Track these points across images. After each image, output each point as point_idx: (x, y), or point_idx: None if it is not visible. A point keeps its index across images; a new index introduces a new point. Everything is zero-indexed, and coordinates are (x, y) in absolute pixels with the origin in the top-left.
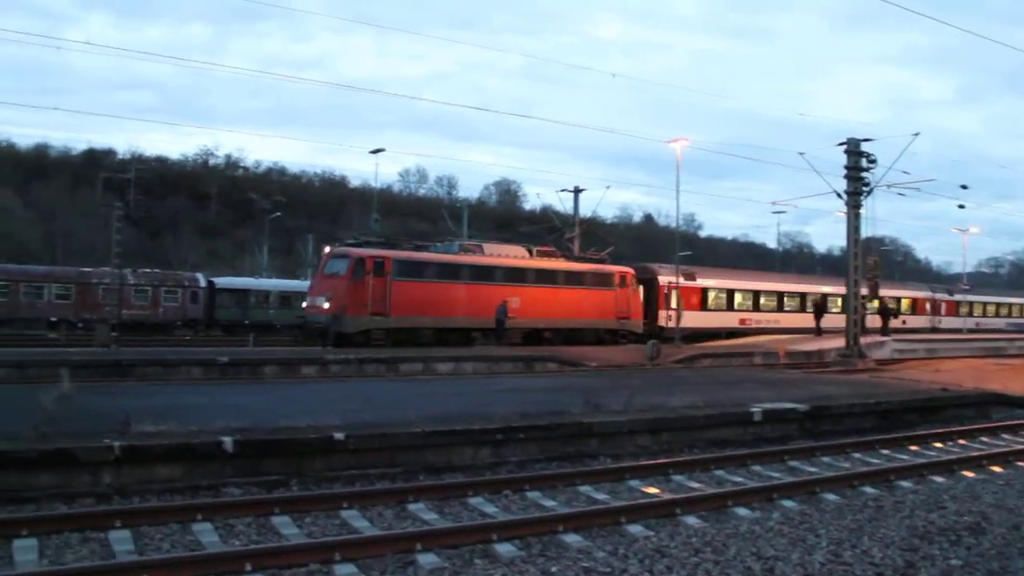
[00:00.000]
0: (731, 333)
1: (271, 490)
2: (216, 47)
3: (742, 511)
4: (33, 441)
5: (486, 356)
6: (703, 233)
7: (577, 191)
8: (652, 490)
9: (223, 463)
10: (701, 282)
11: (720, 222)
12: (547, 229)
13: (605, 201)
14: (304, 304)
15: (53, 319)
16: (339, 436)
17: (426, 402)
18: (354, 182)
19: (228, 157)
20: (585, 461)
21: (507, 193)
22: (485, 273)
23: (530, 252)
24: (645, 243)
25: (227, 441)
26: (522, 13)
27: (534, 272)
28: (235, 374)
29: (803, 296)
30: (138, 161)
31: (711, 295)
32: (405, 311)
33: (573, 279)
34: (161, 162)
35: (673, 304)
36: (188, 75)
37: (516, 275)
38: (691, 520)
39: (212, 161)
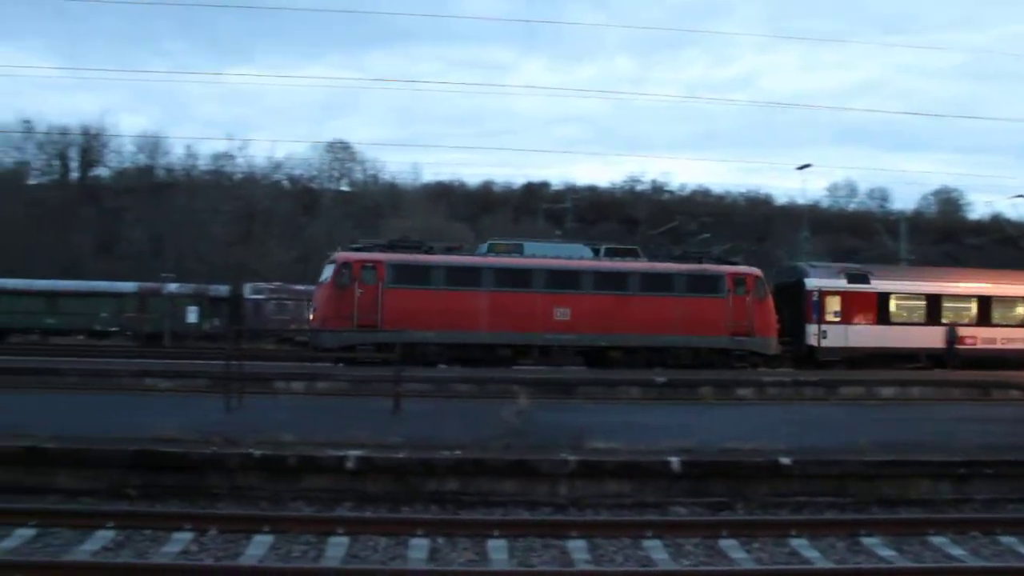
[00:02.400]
0: (935, 356)
1: (716, 512)
2: (640, 77)
3: None
4: (499, 451)
5: (933, 380)
6: None
7: None
8: None
9: (670, 482)
10: (877, 285)
11: None
12: (997, 240)
13: None
14: None
15: None
16: (785, 461)
17: (872, 428)
18: (780, 200)
19: (653, 182)
20: None
21: (948, 203)
22: (517, 278)
23: (597, 252)
24: None
25: (674, 461)
26: (960, 7)
27: (591, 275)
28: (671, 394)
29: None
30: (571, 191)
31: (896, 304)
32: (401, 324)
33: (655, 284)
34: (592, 190)
35: (828, 316)
36: (615, 107)
37: (564, 279)
38: None
39: (638, 187)
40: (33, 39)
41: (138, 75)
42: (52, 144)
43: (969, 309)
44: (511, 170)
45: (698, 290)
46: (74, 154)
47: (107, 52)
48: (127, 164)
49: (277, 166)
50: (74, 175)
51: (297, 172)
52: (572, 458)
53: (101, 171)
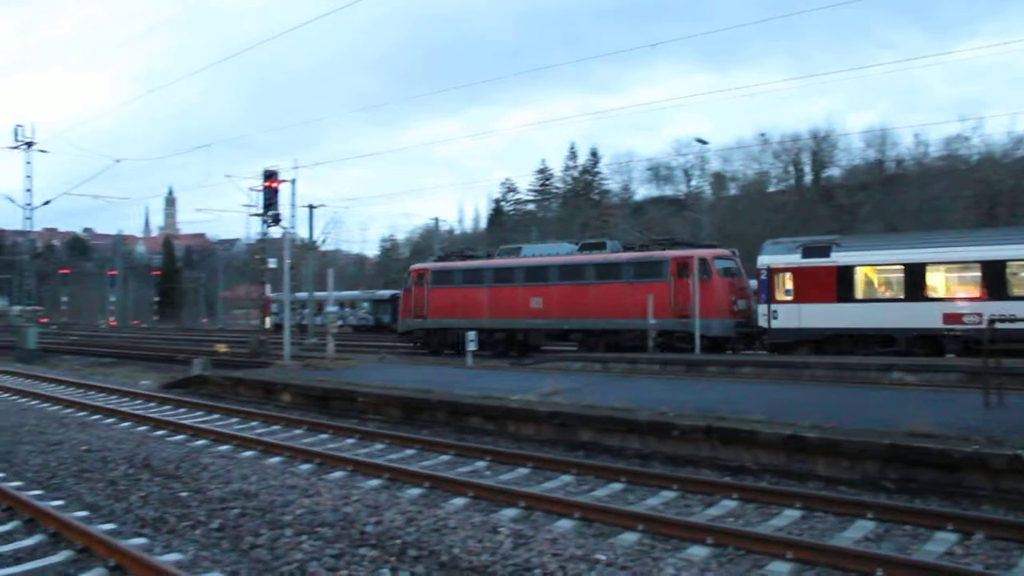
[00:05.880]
0: (929, 337)
1: None
2: None
3: None
4: None
5: None
6: None
7: None
8: None
9: None
10: (839, 258)
11: None
12: None
13: None
14: None
15: None
16: None
17: None
18: None
19: None
20: None
21: None
22: (507, 275)
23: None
24: None
25: None
26: None
27: (557, 269)
28: None
29: None
30: None
31: (863, 278)
32: (439, 314)
33: (608, 272)
34: None
35: (779, 295)
36: None
37: (538, 274)
38: None
39: None
40: (771, 58)
41: (862, 71)
42: (786, 152)
43: (972, 279)
44: None
45: (645, 276)
46: (806, 158)
47: (832, 56)
48: (857, 161)
49: (1020, 141)
50: (807, 178)
51: None
52: None
53: (832, 171)
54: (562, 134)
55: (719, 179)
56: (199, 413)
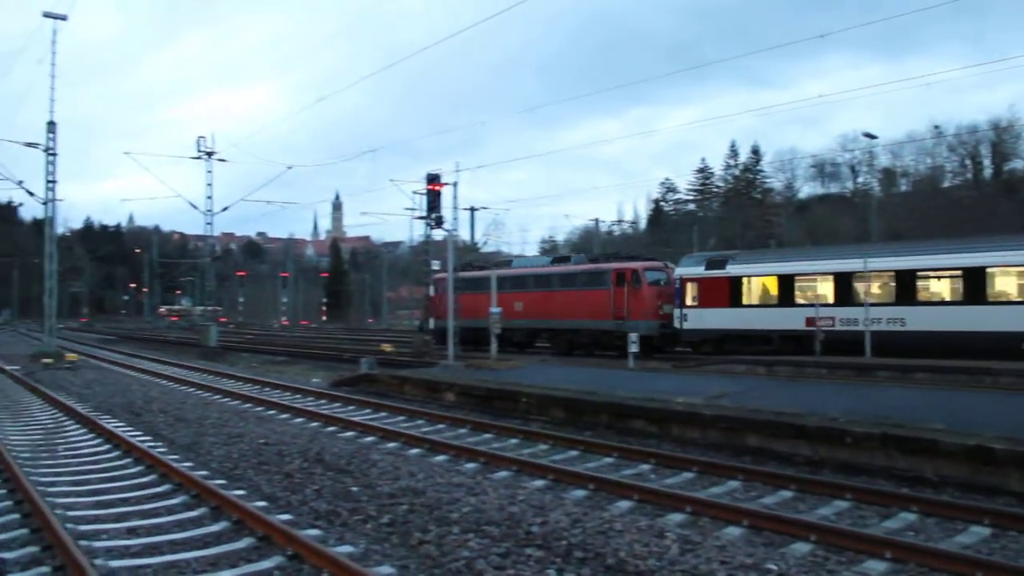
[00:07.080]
0: (795, 337)
1: None
2: None
3: None
4: None
5: None
6: None
7: None
8: None
9: None
10: (732, 270)
11: None
12: None
13: None
14: None
15: None
16: None
17: None
18: None
19: None
20: None
21: None
22: (498, 283)
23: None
24: None
25: None
26: None
27: (531, 278)
28: None
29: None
30: None
31: (749, 287)
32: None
33: (567, 281)
34: None
35: (688, 301)
36: None
37: (519, 282)
38: None
39: None
40: (948, 45)
41: None
42: (962, 144)
43: (826, 289)
44: None
45: (593, 284)
46: (985, 151)
47: (1018, 39)
48: None
49: None
50: (987, 172)
51: None
52: None
53: (1016, 164)
54: (723, 132)
55: (889, 175)
56: (367, 411)
